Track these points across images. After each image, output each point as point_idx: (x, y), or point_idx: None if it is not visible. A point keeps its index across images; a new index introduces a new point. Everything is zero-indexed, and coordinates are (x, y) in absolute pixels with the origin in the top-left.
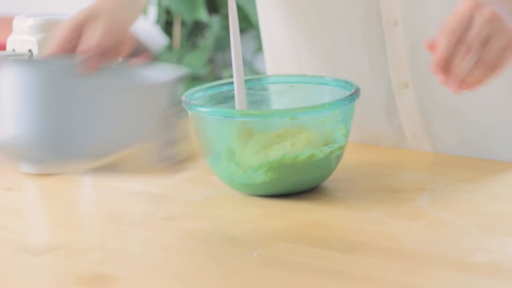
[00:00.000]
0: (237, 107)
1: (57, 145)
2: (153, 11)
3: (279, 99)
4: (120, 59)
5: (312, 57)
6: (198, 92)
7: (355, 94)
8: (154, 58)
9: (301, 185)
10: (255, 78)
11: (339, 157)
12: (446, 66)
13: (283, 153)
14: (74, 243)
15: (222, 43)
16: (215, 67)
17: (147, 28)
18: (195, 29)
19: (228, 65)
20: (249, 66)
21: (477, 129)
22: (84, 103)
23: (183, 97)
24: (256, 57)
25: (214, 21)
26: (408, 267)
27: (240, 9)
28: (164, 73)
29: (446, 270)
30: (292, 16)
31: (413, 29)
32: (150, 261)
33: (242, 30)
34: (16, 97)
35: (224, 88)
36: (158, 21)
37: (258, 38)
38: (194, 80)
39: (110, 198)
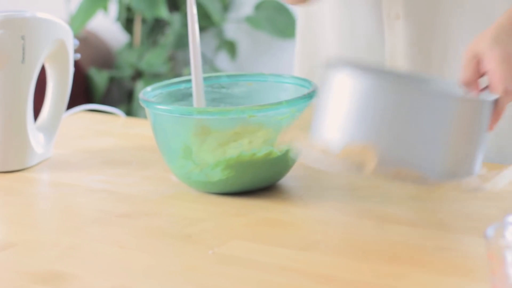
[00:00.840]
0: (195, 104)
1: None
2: (113, 9)
3: (238, 96)
4: None
5: (311, 50)
6: (156, 90)
7: (312, 92)
8: (114, 55)
9: (258, 183)
10: (213, 76)
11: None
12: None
13: (240, 150)
14: (29, 240)
15: (183, 41)
16: (176, 65)
17: (107, 26)
18: (156, 27)
19: (189, 62)
20: (209, 64)
21: None
22: (426, 113)
23: (141, 94)
24: (217, 55)
25: (174, 18)
26: (364, 266)
27: (200, 7)
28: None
29: (401, 268)
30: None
31: (414, 24)
32: (106, 258)
33: (202, 28)
34: (355, 103)
35: (182, 86)
36: (118, 19)
37: (219, 36)
38: (154, 77)
39: (66, 196)
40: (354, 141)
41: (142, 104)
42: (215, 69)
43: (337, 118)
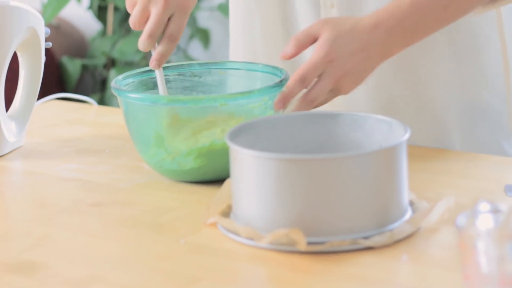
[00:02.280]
0: (160, 92)
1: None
2: None
3: (210, 85)
4: None
5: (248, 40)
6: (128, 78)
7: (284, 80)
8: (87, 44)
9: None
10: (185, 64)
11: None
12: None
13: (212, 139)
14: (1, 230)
15: None
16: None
17: (80, 14)
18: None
19: None
20: (183, 52)
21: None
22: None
23: (113, 83)
24: (190, 43)
25: None
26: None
27: None
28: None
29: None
30: None
31: (346, 12)
32: (78, 248)
33: None
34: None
35: (154, 74)
36: (91, 7)
37: (191, 24)
38: (127, 66)
39: (39, 185)
40: (279, 226)
41: (114, 92)
42: (188, 58)
43: (256, 203)
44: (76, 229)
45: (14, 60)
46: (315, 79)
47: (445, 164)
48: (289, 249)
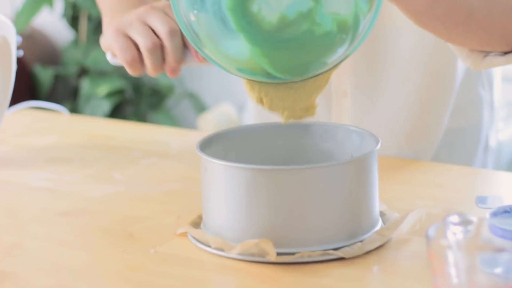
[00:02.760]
0: None
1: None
2: (59, 5)
3: None
4: None
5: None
6: None
7: None
8: (60, 52)
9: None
10: None
11: None
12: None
13: None
14: None
15: None
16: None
17: (53, 22)
18: (102, 24)
19: None
20: None
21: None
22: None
23: None
24: None
25: None
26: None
27: None
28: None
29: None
30: None
31: (360, 102)
32: (47, 257)
33: None
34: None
35: None
36: (64, 15)
37: None
38: (100, 75)
39: (8, 193)
40: (249, 236)
41: None
42: None
43: (226, 213)
44: (45, 239)
45: None
46: None
47: (416, 174)
48: (259, 259)
